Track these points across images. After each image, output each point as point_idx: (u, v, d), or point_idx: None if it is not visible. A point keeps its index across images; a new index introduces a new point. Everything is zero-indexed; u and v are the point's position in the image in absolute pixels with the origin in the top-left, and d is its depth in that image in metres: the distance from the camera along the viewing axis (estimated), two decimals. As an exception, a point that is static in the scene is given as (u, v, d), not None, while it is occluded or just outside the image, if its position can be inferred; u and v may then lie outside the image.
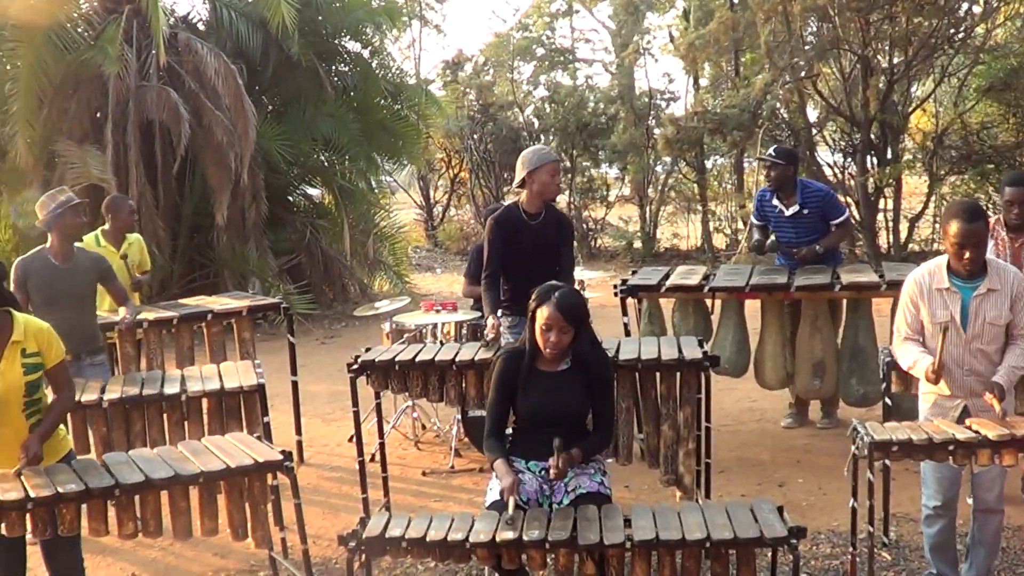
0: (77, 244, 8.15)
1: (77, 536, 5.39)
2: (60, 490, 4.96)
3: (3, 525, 4.94)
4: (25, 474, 5.15)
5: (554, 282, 5.92)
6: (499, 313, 7.62)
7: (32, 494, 4.93)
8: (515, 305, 7.56)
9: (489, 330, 7.39)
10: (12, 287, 7.39)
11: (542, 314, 5.71)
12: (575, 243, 8.05)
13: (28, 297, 7.66)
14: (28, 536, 5.29)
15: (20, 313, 5.39)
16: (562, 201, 23.12)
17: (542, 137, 24.37)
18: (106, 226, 9.37)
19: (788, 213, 9.15)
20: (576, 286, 7.86)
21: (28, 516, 4.96)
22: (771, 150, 9.45)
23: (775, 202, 9.24)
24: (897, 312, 6.00)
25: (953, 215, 5.65)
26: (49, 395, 5.59)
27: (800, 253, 9.01)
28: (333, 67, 18.50)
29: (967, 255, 5.62)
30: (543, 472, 5.80)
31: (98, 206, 14.01)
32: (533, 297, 5.83)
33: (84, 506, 5.19)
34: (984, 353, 5.76)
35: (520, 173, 7.74)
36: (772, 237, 9.20)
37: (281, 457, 5.37)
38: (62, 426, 5.69)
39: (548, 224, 7.79)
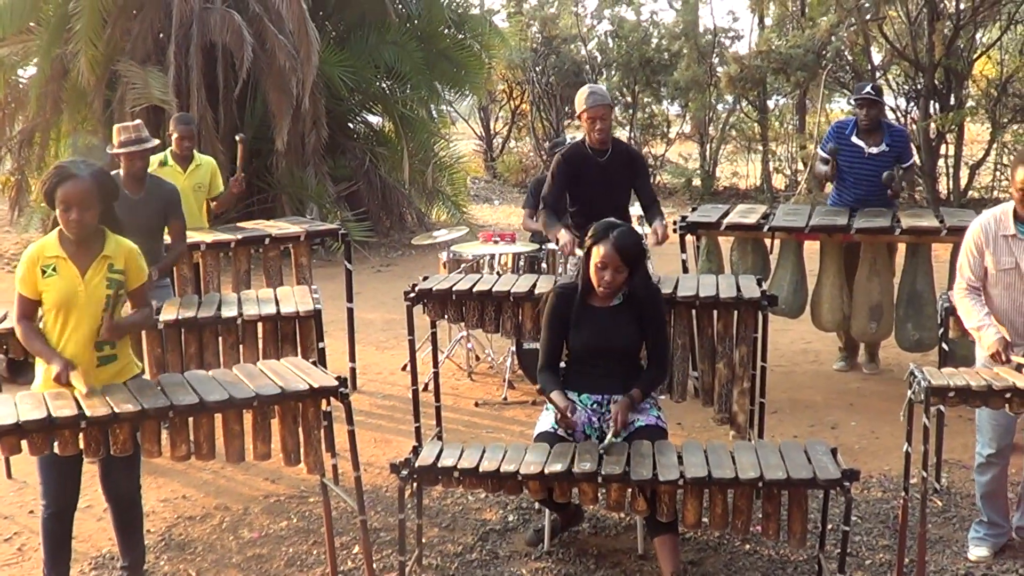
0: (150, 171, 8.06)
1: (135, 458, 5.41)
2: (116, 410, 4.94)
3: (56, 443, 4.89)
4: (80, 394, 5.15)
5: (612, 219, 5.89)
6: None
7: (87, 413, 4.89)
8: (582, 241, 7.52)
9: (564, 245, 7.44)
10: None
11: (598, 251, 5.70)
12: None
13: None
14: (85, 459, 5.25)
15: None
16: (622, 136, 23.08)
17: (604, 72, 24.26)
18: (174, 147, 9.27)
19: (874, 151, 9.02)
20: (635, 222, 7.85)
21: (81, 435, 4.92)
22: (869, 88, 9.24)
23: (855, 140, 9.10)
24: (960, 256, 5.91)
25: (1020, 161, 5.57)
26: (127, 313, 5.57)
27: (887, 178, 8.83)
28: (397, -6, 18.40)
29: None
30: (594, 405, 5.83)
31: (157, 128, 14.13)
32: (590, 233, 5.81)
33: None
34: (1047, 302, 5.69)
35: (578, 110, 7.77)
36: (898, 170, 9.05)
37: (336, 383, 5.35)
38: (132, 352, 5.69)
39: (616, 161, 7.73)
